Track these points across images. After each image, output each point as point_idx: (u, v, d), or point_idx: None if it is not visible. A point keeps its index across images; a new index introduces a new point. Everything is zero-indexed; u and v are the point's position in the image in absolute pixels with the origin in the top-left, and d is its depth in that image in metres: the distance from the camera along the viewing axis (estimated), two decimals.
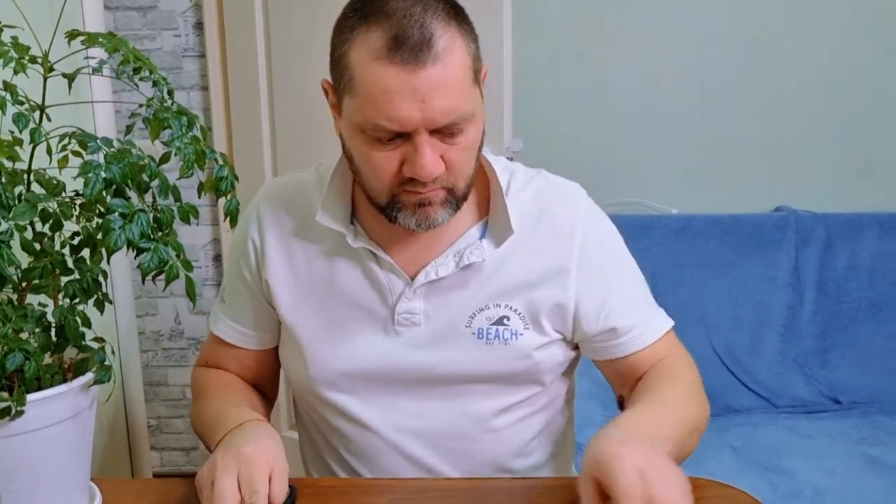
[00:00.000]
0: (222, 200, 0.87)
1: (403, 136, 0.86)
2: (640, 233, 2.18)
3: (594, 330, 1.01)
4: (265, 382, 1.13)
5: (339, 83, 0.89)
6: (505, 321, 0.99)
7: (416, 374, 0.99)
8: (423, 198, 0.90)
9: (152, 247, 0.77)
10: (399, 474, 1.02)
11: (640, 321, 1.03)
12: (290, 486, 0.85)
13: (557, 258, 1.00)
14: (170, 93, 0.81)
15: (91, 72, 0.80)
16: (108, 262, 0.81)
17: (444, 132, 0.86)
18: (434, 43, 0.83)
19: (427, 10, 0.84)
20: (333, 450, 1.06)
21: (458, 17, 0.87)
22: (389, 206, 0.92)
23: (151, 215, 0.79)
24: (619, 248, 1.06)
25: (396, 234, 0.98)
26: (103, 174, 0.76)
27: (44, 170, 0.82)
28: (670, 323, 1.07)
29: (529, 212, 1.00)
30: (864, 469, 1.80)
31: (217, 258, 2.32)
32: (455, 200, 0.92)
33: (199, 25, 2.17)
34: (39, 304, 0.81)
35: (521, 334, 0.99)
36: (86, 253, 0.82)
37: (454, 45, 0.84)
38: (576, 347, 1.06)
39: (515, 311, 0.99)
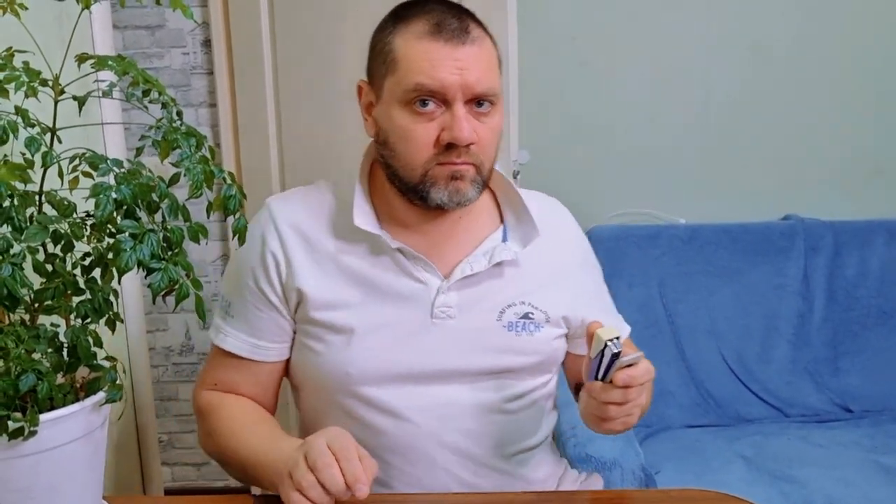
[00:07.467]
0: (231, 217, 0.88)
1: (442, 109, 0.98)
2: (648, 242, 2.18)
3: (581, 326, 1.11)
4: (271, 396, 1.14)
5: (381, 70, 1.02)
6: (530, 316, 1.08)
7: (452, 364, 1.05)
8: (455, 170, 0.99)
9: (162, 266, 0.78)
10: (436, 460, 1.05)
11: (615, 322, 1.17)
12: None
13: (565, 261, 1.14)
14: (179, 114, 0.82)
15: (101, 94, 0.81)
16: (119, 282, 0.81)
17: (477, 105, 0.99)
18: (470, 31, 0.99)
19: (461, 12, 1.01)
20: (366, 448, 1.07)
21: (484, 27, 1.03)
22: (422, 182, 1.00)
23: (161, 235, 0.79)
24: (597, 261, 1.23)
25: (421, 238, 1.06)
26: (114, 195, 0.77)
27: (55, 191, 0.83)
28: (629, 328, 1.22)
29: (540, 218, 1.10)
30: (877, 478, 1.79)
31: None
32: (481, 179, 1.02)
33: (206, 43, 2.19)
34: (52, 324, 0.82)
35: (542, 328, 1.09)
36: (97, 273, 0.82)
37: (485, 38, 1.01)
38: None
39: (537, 307, 1.09)
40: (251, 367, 1.10)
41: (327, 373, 1.06)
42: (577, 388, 1.09)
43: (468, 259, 1.07)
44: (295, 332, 1.09)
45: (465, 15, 1.01)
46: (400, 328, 1.04)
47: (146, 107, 0.81)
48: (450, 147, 0.98)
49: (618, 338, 0.90)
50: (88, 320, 0.81)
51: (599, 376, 0.92)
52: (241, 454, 1.03)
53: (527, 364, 1.08)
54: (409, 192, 1.02)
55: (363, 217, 1.04)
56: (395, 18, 1.02)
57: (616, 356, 0.90)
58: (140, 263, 0.77)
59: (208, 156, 0.82)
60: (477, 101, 0.99)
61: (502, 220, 1.12)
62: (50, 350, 0.79)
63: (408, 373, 1.04)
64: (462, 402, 1.06)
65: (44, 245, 0.80)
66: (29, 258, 0.76)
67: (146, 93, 0.80)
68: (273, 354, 1.10)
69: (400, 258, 1.05)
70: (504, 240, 1.10)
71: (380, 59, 1.02)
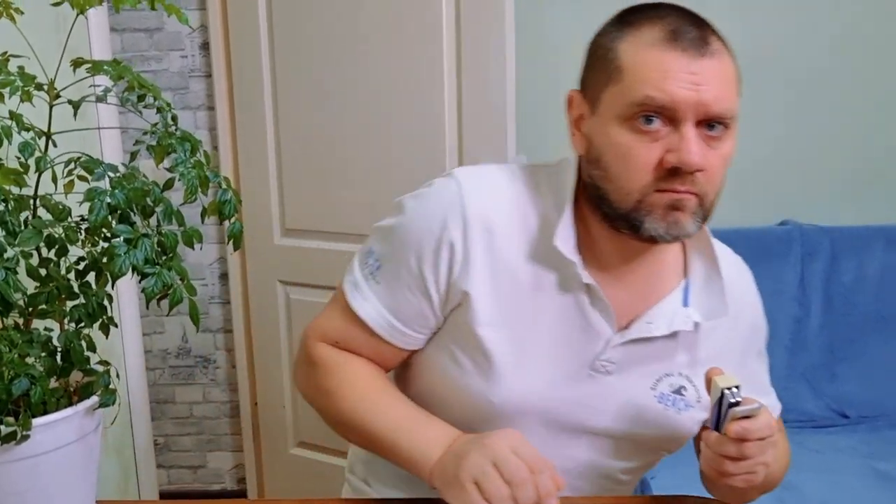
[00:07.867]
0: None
1: (668, 128, 0.85)
2: None
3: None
4: (387, 370, 1.05)
5: (600, 79, 0.89)
6: (683, 391, 0.98)
7: (593, 422, 0.97)
8: (676, 199, 0.86)
9: (156, 271, 0.78)
10: None
11: (768, 402, 1.04)
12: None
13: (739, 344, 1.02)
14: (174, 118, 0.82)
15: (96, 99, 0.81)
16: (114, 287, 0.81)
17: (708, 128, 0.87)
18: (710, 42, 0.86)
19: (700, 21, 0.88)
20: None
21: (725, 40, 0.90)
22: (636, 209, 0.87)
23: (156, 240, 0.79)
24: (766, 330, 1.08)
25: (611, 278, 0.96)
26: (108, 200, 0.77)
27: (50, 195, 0.83)
28: (780, 406, 1.09)
29: (728, 286, 0.98)
30: (873, 484, 1.79)
31: (224, 276, 2.33)
32: (702, 213, 0.89)
33: (205, 46, 2.19)
34: (45, 328, 0.82)
35: (692, 407, 0.98)
36: (91, 278, 0.83)
37: (725, 52, 0.88)
38: None
39: (693, 383, 0.98)
40: (380, 344, 0.98)
41: (466, 393, 0.96)
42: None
43: (647, 317, 0.95)
44: (439, 328, 0.99)
45: (705, 24, 0.88)
46: (556, 371, 0.95)
47: (140, 112, 0.81)
48: (673, 172, 0.85)
49: (737, 386, 0.83)
50: (82, 325, 0.81)
51: (719, 427, 0.86)
52: (370, 426, 0.96)
53: (660, 440, 1.00)
54: (619, 219, 0.89)
55: (565, 240, 0.92)
56: (622, 22, 0.89)
57: (733, 406, 0.83)
58: (134, 268, 0.77)
59: (203, 160, 0.82)
60: (709, 122, 0.86)
61: (685, 273, 0.99)
62: (43, 354, 0.79)
63: (548, 418, 0.96)
64: (580, 459, 0.99)
65: (38, 249, 0.80)
66: (23, 262, 0.76)
67: (141, 97, 0.81)
68: (408, 342, 0.99)
69: (583, 298, 0.94)
70: (685, 303, 0.97)
71: (599, 66, 0.90)
